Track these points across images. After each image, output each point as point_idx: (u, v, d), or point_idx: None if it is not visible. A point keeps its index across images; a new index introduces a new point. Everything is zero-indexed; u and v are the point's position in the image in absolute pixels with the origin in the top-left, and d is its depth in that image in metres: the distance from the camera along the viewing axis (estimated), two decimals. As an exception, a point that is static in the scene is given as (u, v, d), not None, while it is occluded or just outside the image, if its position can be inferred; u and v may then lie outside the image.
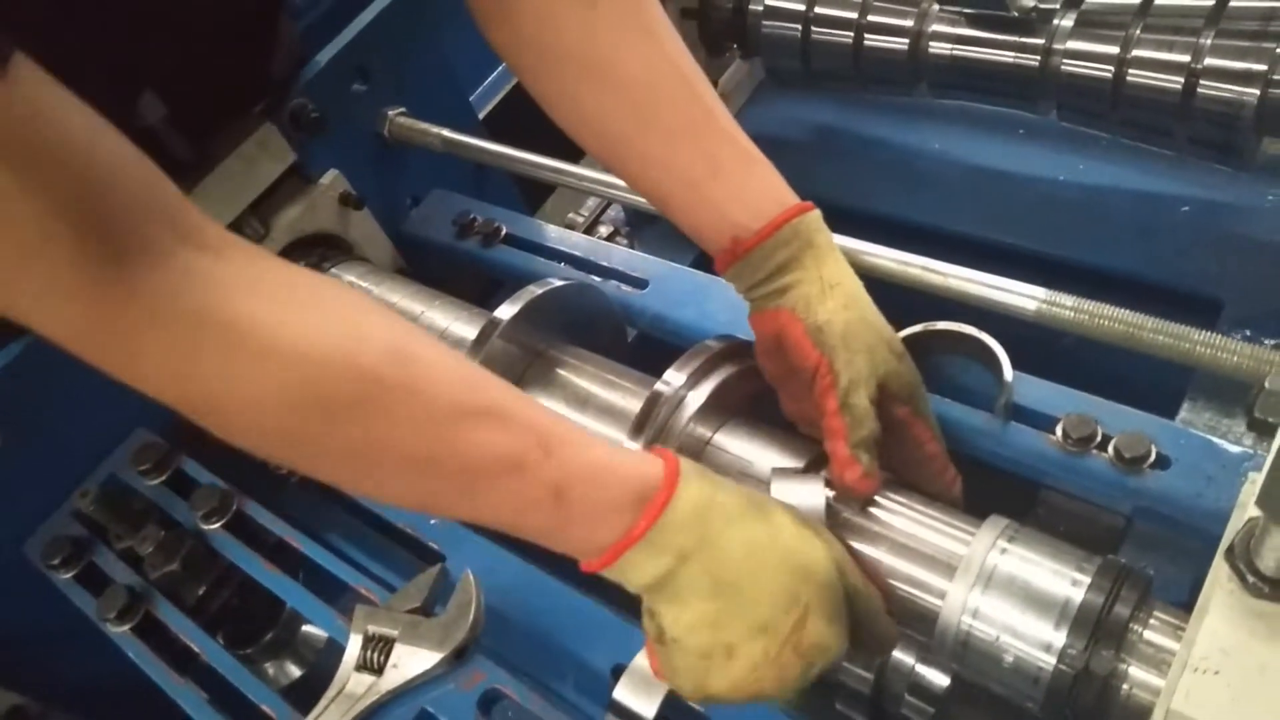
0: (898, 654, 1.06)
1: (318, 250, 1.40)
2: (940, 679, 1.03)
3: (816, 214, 0.98)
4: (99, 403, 1.23)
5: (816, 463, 0.99)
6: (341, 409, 0.75)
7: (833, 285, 0.95)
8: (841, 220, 1.16)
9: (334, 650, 1.04)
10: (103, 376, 1.22)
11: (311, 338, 0.74)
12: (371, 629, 1.00)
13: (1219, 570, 0.67)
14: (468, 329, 1.21)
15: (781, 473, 0.94)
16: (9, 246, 0.66)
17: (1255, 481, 0.64)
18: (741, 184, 0.98)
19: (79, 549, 1.20)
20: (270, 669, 1.24)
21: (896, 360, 0.96)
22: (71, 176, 0.67)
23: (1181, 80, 1.30)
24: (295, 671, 1.25)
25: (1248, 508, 0.67)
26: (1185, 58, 1.29)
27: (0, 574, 1.22)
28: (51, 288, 0.68)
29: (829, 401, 0.93)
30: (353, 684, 0.98)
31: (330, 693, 0.98)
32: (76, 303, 0.69)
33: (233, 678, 1.07)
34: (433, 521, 1.15)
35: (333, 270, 1.37)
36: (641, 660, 0.95)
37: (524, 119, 1.78)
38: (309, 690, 1.11)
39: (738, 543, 0.81)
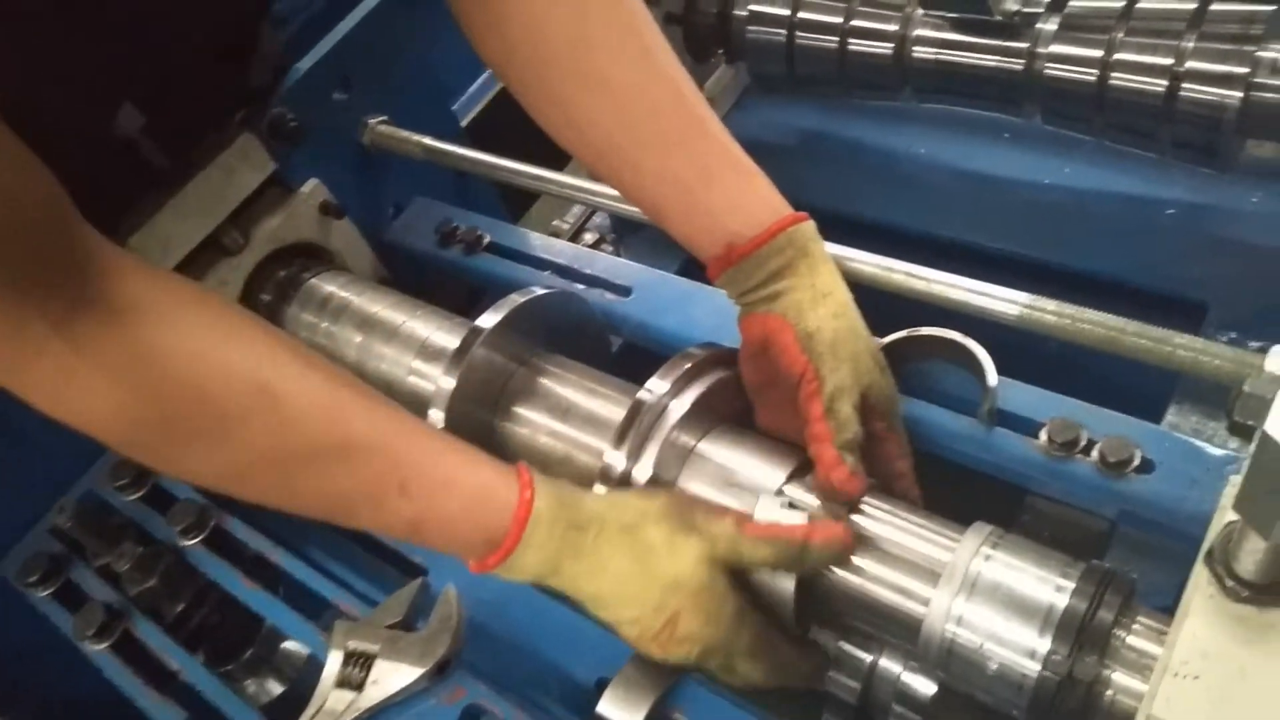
0: (884, 662, 1.05)
1: (298, 260, 1.39)
2: (927, 687, 1.02)
3: (811, 224, 0.99)
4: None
5: (800, 469, 0.98)
6: (197, 440, 0.83)
7: (825, 294, 0.96)
8: (828, 225, 1.16)
9: (315, 667, 1.03)
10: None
11: (175, 371, 0.80)
12: (352, 644, 0.99)
13: (1199, 574, 0.66)
14: (449, 339, 1.20)
15: (768, 498, 0.94)
16: None
17: (1236, 485, 0.63)
18: (735, 192, 0.99)
19: (56, 566, 1.19)
20: (250, 686, 1.22)
21: (879, 373, 0.97)
22: None
23: (1164, 83, 1.30)
24: (276, 688, 1.23)
25: (1227, 514, 0.67)
26: (1168, 60, 1.29)
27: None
28: None
29: (814, 407, 0.94)
30: (332, 701, 0.96)
31: (310, 710, 0.97)
32: None
33: (212, 695, 1.06)
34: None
35: (313, 280, 1.36)
36: (626, 674, 0.94)
37: (507, 127, 1.77)
38: (290, 707, 1.09)
39: (590, 574, 0.87)
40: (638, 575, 0.86)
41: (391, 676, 0.96)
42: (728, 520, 0.89)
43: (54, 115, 1.09)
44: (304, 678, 1.23)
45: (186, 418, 0.81)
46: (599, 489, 0.99)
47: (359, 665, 0.97)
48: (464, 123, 1.73)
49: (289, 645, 1.25)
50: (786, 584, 0.92)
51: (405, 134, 1.45)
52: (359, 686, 0.96)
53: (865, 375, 0.95)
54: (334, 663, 0.98)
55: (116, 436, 0.83)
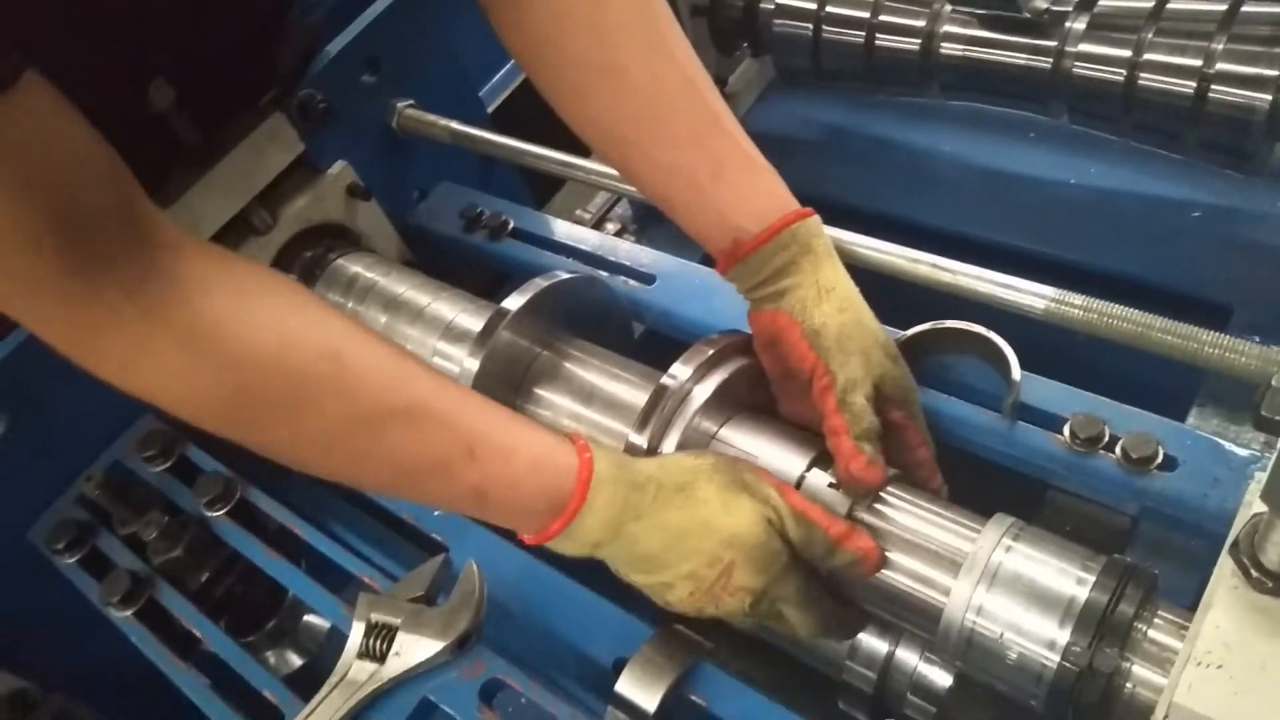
0: (901, 653, 1.05)
1: (324, 240, 1.40)
2: (943, 678, 1.03)
3: (816, 220, 1.01)
4: (104, 389, 1.22)
5: (820, 459, 0.99)
6: (271, 409, 0.83)
7: (828, 290, 0.98)
8: (850, 220, 1.16)
9: (335, 642, 1.04)
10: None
11: (247, 339, 0.80)
12: (374, 617, 1.00)
13: (1224, 565, 0.67)
14: (474, 320, 1.21)
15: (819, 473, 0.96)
16: None
17: (1261, 481, 0.63)
18: (744, 188, 1.00)
19: (83, 534, 1.20)
20: (271, 657, 1.24)
21: (891, 363, 0.98)
22: (55, 187, 0.72)
23: (1193, 85, 1.30)
24: (296, 661, 1.25)
25: (1253, 508, 0.67)
26: (1197, 62, 1.29)
27: (4, 559, 1.23)
28: (29, 285, 0.74)
29: (827, 401, 0.95)
30: (355, 671, 0.98)
31: (333, 679, 0.98)
32: (50, 298, 0.75)
33: (235, 664, 1.07)
34: (436, 513, 1.15)
35: (339, 260, 1.37)
36: (644, 654, 0.95)
37: (532, 115, 1.78)
38: (309, 680, 1.10)
39: (650, 532, 0.88)
40: (697, 531, 0.87)
41: (413, 649, 0.97)
42: (771, 486, 0.90)
43: (86, 89, 1.10)
44: (324, 652, 1.25)
45: (260, 385, 0.81)
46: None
47: (381, 637, 0.99)
48: (490, 109, 1.73)
49: (310, 619, 1.26)
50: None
51: (432, 118, 1.46)
52: (381, 658, 0.98)
53: (876, 367, 0.96)
54: (357, 634, 0.99)
55: (191, 408, 0.83)
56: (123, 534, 1.19)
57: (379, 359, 0.85)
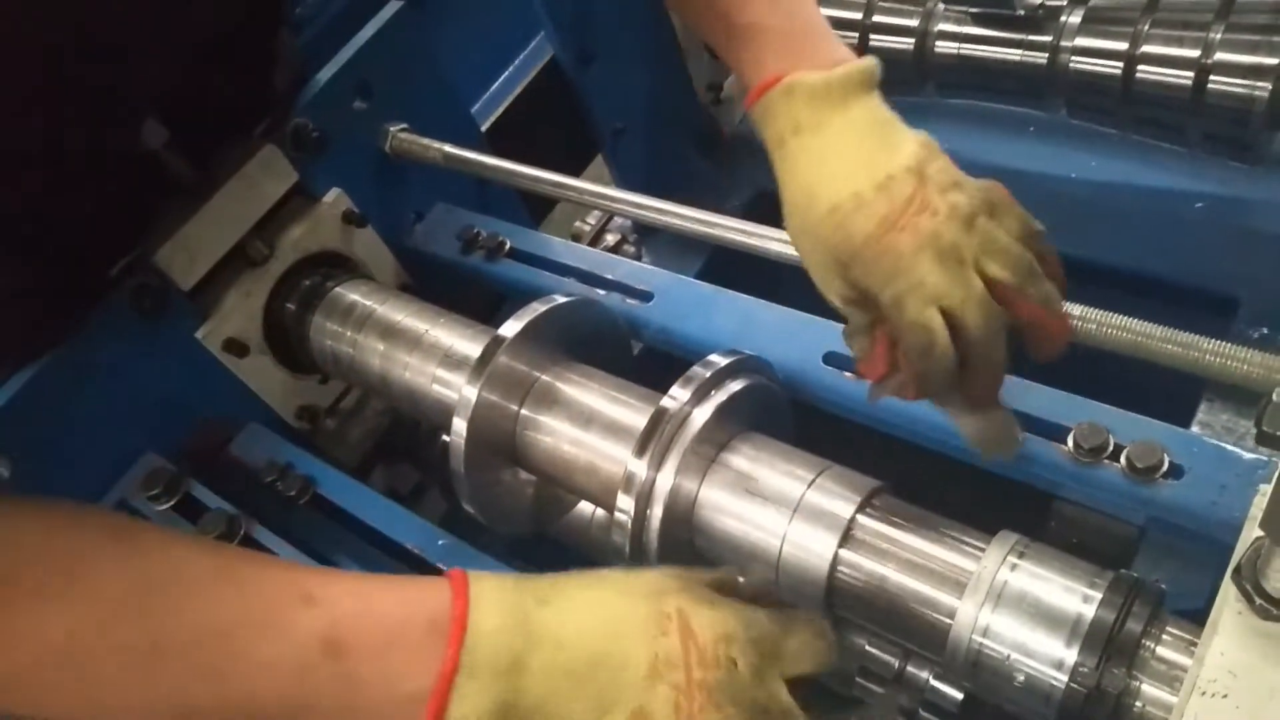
0: (912, 669, 1.05)
1: (322, 269, 1.40)
2: (954, 694, 1.02)
3: (765, 100, 0.87)
4: (107, 429, 1.24)
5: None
6: (43, 593, 0.66)
7: (781, 188, 0.89)
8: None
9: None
10: (111, 404, 1.23)
11: (20, 523, 0.70)
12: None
13: (1227, 590, 0.66)
14: (472, 347, 1.21)
15: None
16: None
17: (1266, 494, 0.62)
18: (743, 52, 0.93)
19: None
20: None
21: (841, 267, 0.84)
22: None
23: (1192, 76, 1.28)
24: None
25: (1256, 525, 0.66)
26: (1195, 53, 1.28)
27: None
28: None
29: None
30: None
31: None
32: None
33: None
34: (441, 542, 1.15)
35: (337, 289, 1.37)
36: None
37: (527, 131, 1.79)
38: None
39: (567, 612, 0.71)
40: (618, 599, 0.73)
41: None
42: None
43: (79, 134, 1.11)
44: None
45: (23, 575, 0.67)
46: (622, 499, 0.99)
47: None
48: (484, 127, 1.73)
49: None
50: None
51: (426, 141, 1.45)
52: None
53: (823, 270, 0.86)
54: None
55: None
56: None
57: (174, 532, 0.74)
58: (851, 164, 0.85)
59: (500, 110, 1.77)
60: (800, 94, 0.87)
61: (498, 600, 0.69)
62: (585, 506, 1.28)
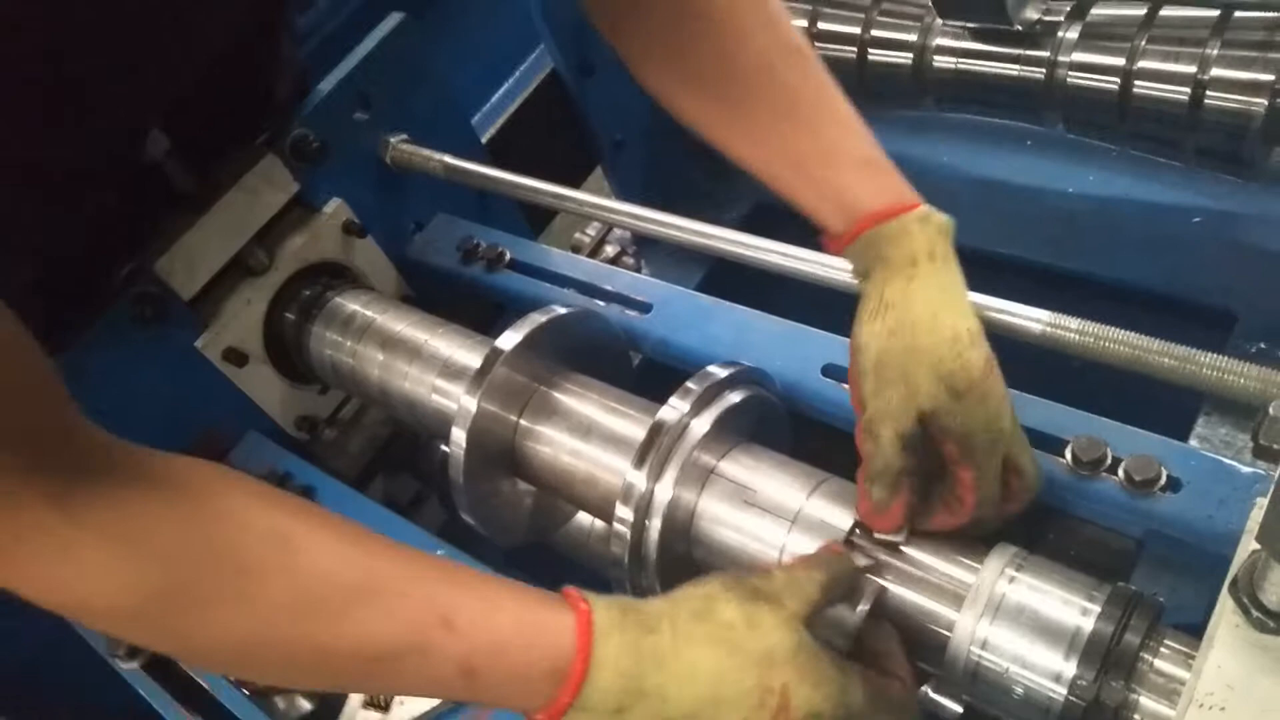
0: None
1: (322, 279, 1.40)
2: (953, 707, 1.02)
3: (901, 221, 0.89)
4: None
5: (823, 488, 0.98)
6: (209, 601, 0.74)
7: (888, 306, 0.88)
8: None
9: (341, 685, 1.04)
10: (111, 412, 1.22)
11: (180, 536, 0.74)
12: (377, 664, 0.99)
13: (1224, 603, 0.66)
14: (471, 358, 1.21)
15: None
16: None
17: (1263, 507, 0.62)
18: (835, 178, 0.93)
19: (89, 584, 1.20)
20: (280, 703, 1.23)
21: (949, 398, 0.85)
22: None
23: (1188, 91, 1.29)
24: (305, 706, 1.24)
25: (1253, 538, 0.66)
26: (1191, 69, 1.28)
27: (14, 610, 1.23)
28: None
29: (858, 429, 0.89)
30: (359, 720, 0.98)
31: (337, 729, 0.98)
32: None
33: (241, 714, 1.07)
34: (439, 552, 1.15)
35: (337, 299, 1.37)
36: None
37: (527, 143, 1.80)
38: (318, 724, 1.11)
39: (679, 684, 0.75)
40: (730, 665, 0.76)
41: (417, 699, 0.97)
42: (775, 571, 0.83)
43: (82, 145, 1.11)
44: (332, 696, 1.24)
45: (199, 580, 0.74)
46: (620, 510, 0.99)
47: (385, 686, 0.98)
48: (485, 138, 1.74)
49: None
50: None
51: (427, 152, 1.46)
52: (385, 707, 0.97)
53: (925, 399, 0.85)
54: (360, 683, 0.99)
55: (122, 612, 0.74)
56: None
57: (332, 537, 0.78)
58: (964, 302, 0.91)
59: (501, 121, 1.77)
60: (934, 224, 0.91)
61: (618, 656, 0.75)
62: (584, 517, 1.28)
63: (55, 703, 1.28)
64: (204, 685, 1.10)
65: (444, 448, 1.39)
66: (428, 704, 0.96)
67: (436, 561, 0.82)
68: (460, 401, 1.12)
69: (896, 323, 0.87)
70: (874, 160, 0.95)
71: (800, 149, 0.95)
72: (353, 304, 1.36)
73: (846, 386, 1.11)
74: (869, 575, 0.90)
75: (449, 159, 1.44)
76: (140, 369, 1.25)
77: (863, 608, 0.87)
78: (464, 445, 1.10)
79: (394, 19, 1.44)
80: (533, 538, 1.25)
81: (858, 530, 0.93)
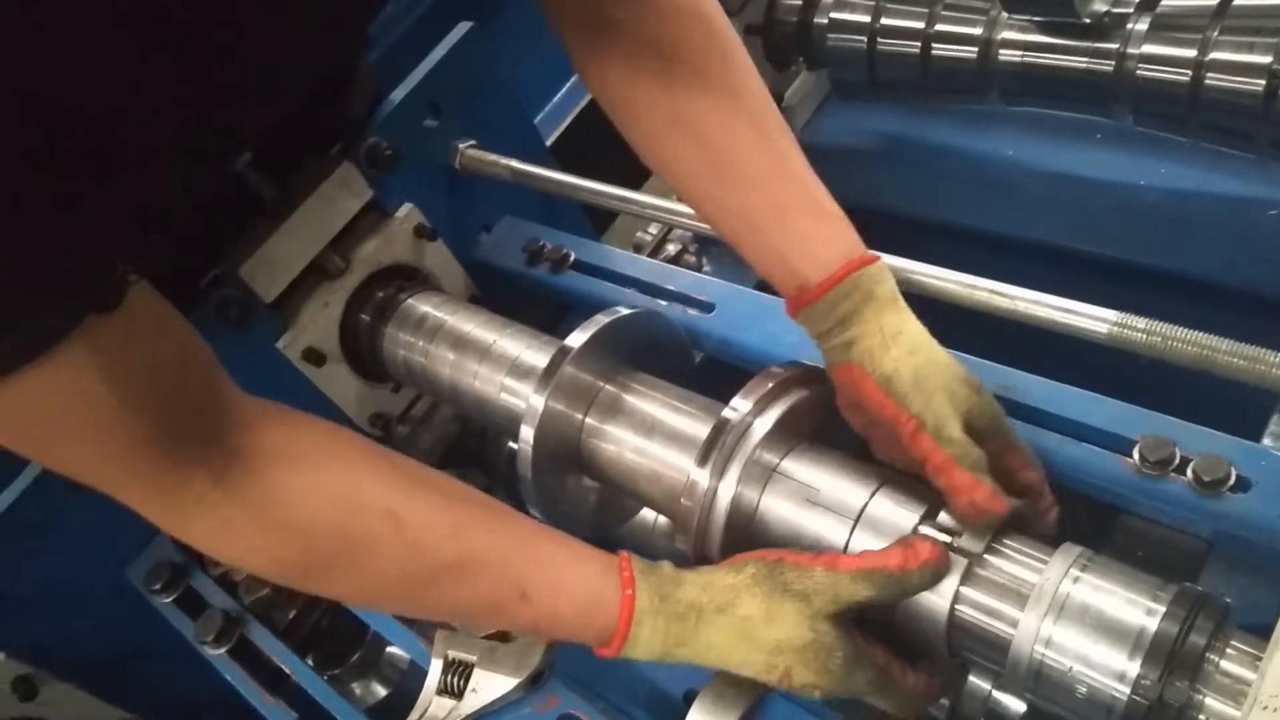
0: (974, 679, 1.05)
1: (395, 281, 1.45)
2: (1017, 705, 1.02)
3: (878, 266, 0.99)
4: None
5: (930, 513, 0.97)
6: (337, 569, 0.92)
7: (894, 335, 0.96)
8: (913, 230, 1.15)
9: (416, 671, 1.08)
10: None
11: (313, 510, 0.89)
12: (451, 654, 1.04)
13: (1294, 607, 0.65)
14: (539, 357, 1.25)
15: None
16: (101, 441, 0.79)
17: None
18: (806, 235, 1.01)
19: (178, 574, 1.27)
20: (357, 689, 1.29)
21: (976, 395, 0.95)
22: (157, 395, 0.80)
23: (1263, 82, 1.26)
24: (381, 691, 1.30)
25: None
26: (1266, 59, 1.25)
27: (106, 597, 1.30)
28: (125, 476, 0.82)
29: (922, 442, 0.93)
30: (434, 707, 1.02)
31: (413, 716, 1.02)
32: (144, 489, 0.84)
33: (321, 698, 1.12)
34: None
35: (409, 300, 1.42)
36: (714, 686, 0.96)
37: (590, 145, 1.82)
38: (394, 709, 1.15)
39: (697, 653, 0.92)
40: (743, 647, 0.90)
41: (489, 685, 1.01)
42: (818, 568, 0.90)
43: (176, 168, 1.16)
44: (406, 681, 1.29)
45: (325, 553, 0.90)
46: (684, 506, 1.01)
47: (459, 673, 1.02)
48: (549, 141, 1.77)
49: (393, 650, 1.31)
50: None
51: (494, 157, 1.49)
52: (459, 694, 1.01)
53: (963, 402, 0.94)
54: (435, 670, 1.03)
55: (268, 573, 0.95)
56: (215, 574, 1.25)
57: (433, 514, 0.93)
58: None
59: (564, 126, 1.80)
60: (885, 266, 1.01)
61: (648, 638, 0.91)
62: (648, 513, 1.30)
63: (148, 686, 1.34)
64: (286, 670, 1.16)
65: (512, 444, 1.43)
66: (499, 691, 1.00)
67: (519, 531, 0.96)
68: (529, 400, 1.15)
69: (912, 345, 0.96)
70: (832, 211, 1.02)
71: (762, 215, 1.02)
72: (424, 305, 1.41)
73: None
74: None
75: (515, 163, 1.47)
76: (226, 369, 1.31)
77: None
78: (532, 442, 1.13)
79: (462, 28, 1.48)
80: (597, 532, 1.28)
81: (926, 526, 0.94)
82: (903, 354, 0.95)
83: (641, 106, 1.04)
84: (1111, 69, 1.42)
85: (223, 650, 1.18)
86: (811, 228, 1.00)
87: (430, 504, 0.93)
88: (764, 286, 1.57)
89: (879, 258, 1.00)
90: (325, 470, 0.91)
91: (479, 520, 0.95)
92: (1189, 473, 0.95)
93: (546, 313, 1.53)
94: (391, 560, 0.91)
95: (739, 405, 1.04)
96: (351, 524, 0.90)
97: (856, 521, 0.97)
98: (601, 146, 1.77)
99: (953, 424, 0.92)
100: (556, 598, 0.93)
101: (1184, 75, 1.33)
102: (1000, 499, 0.90)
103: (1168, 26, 1.36)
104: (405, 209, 1.46)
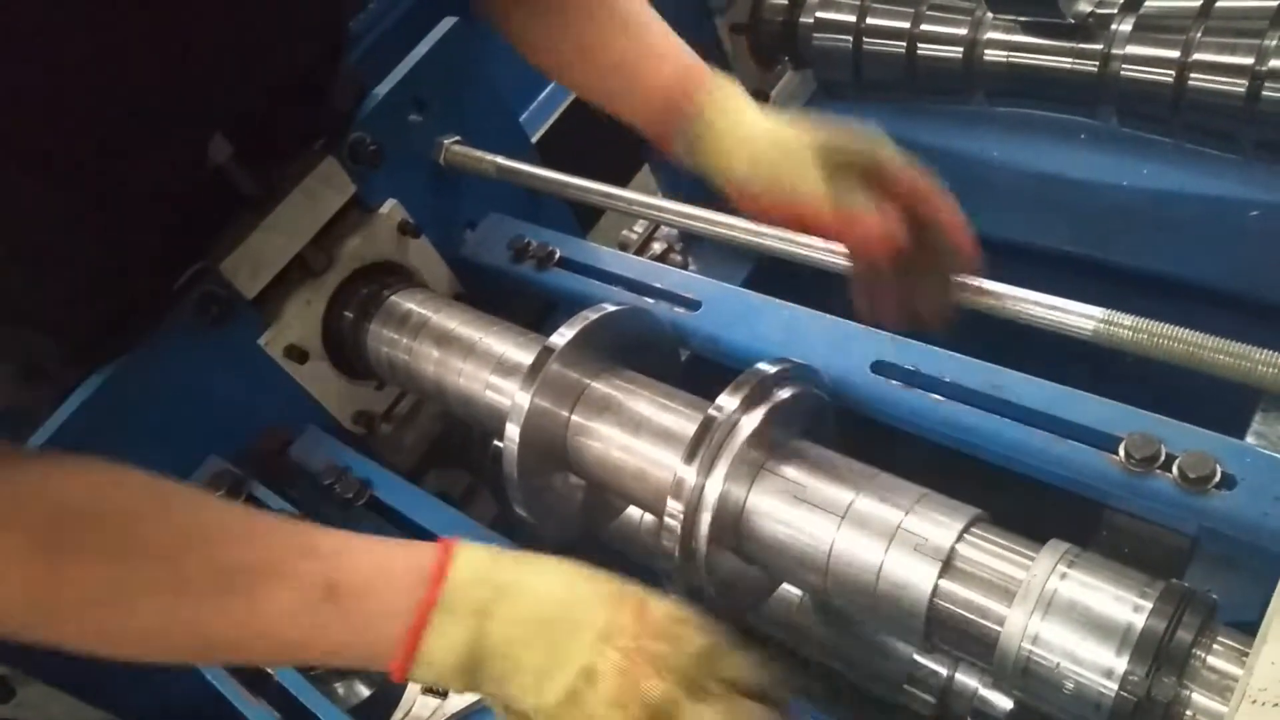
0: (961, 677, 1.05)
1: (379, 278, 1.44)
2: (1003, 702, 1.02)
3: (707, 81, 1.12)
4: (171, 433, 1.29)
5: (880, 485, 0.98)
6: (89, 550, 0.79)
7: (741, 141, 1.07)
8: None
9: (400, 672, 1.07)
10: (178, 408, 1.27)
11: (69, 488, 0.82)
12: (435, 652, 1.02)
13: (1279, 600, 0.66)
14: (524, 355, 1.24)
15: None
16: None
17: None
18: (645, 86, 1.15)
19: (159, 573, 1.25)
20: (340, 688, 1.27)
21: (840, 148, 1.02)
22: None
23: (1246, 83, 1.27)
24: (364, 691, 1.28)
25: (1312, 537, 0.66)
26: (1249, 60, 1.27)
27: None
28: None
29: (802, 210, 1.03)
30: (419, 707, 1.01)
31: (397, 715, 1.01)
32: None
33: (304, 698, 1.10)
34: (491, 544, 1.17)
35: (393, 298, 1.41)
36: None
37: (575, 142, 1.82)
38: (377, 710, 1.14)
39: (540, 576, 0.81)
40: (577, 571, 0.84)
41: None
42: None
43: (150, 148, 1.15)
44: (390, 681, 1.28)
45: (78, 532, 0.80)
46: (671, 504, 1.01)
47: (443, 674, 1.01)
48: (535, 138, 1.76)
49: (375, 650, 1.29)
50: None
51: (479, 153, 1.49)
52: (443, 693, 1.00)
53: (828, 158, 1.01)
54: (419, 670, 1.02)
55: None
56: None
57: (209, 497, 0.89)
58: None
59: (550, 122, 1.80)
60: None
61: (476, 560, 0.81)
62: (634, 511, 1.30)
63: (127, 686, 1.32)
64: (269, 672, 1.14)
65: (497, 443, 1.43)
66: (484, 692, 0.99)
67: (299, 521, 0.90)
68: (514, 398, 1.14)
69: (749, 140, 1.06)
70: (668, 48, 1.17)
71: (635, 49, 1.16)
72: (408, 302, 1.40)
73: (896, 383, 1.12)
74: None
75: (500, 160, 1.47)
76: (206, 367, 1.29)
77: None
78: (517, 440, 1.12)
79: (447, 24, 1.47)
80: (583, 531, 1.27)
81: None
82: (746, 157, 1.06)
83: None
84: (1096, 69, 1.43)
85: (203, 650, 1.16)
86: (652, 77, 1.14)
87: (200, 492, 0.89)
88: (751, 284, 1.58)
89: (704, 70, 1.13)
90: (62, 458, 0.84)
91: (256, 511, 0.87)
92: (1175, 470, 0.95)
93: (532, 310, 1.52)
94: (155, 528, 0.80)
95: (726, 403, 1.04)
96: (110, 496, 0.81)
97: (843, 518, 0.96)
98: (587, 143, 1.78)
99: (811, 184, 1.00)
100: (354, 542, 0.83)
101: (1167, 76, 1.35)
102: (891, 230, 1.00)
103: (1151, 27, 1.37)
104: (389, 205, 1.44)
